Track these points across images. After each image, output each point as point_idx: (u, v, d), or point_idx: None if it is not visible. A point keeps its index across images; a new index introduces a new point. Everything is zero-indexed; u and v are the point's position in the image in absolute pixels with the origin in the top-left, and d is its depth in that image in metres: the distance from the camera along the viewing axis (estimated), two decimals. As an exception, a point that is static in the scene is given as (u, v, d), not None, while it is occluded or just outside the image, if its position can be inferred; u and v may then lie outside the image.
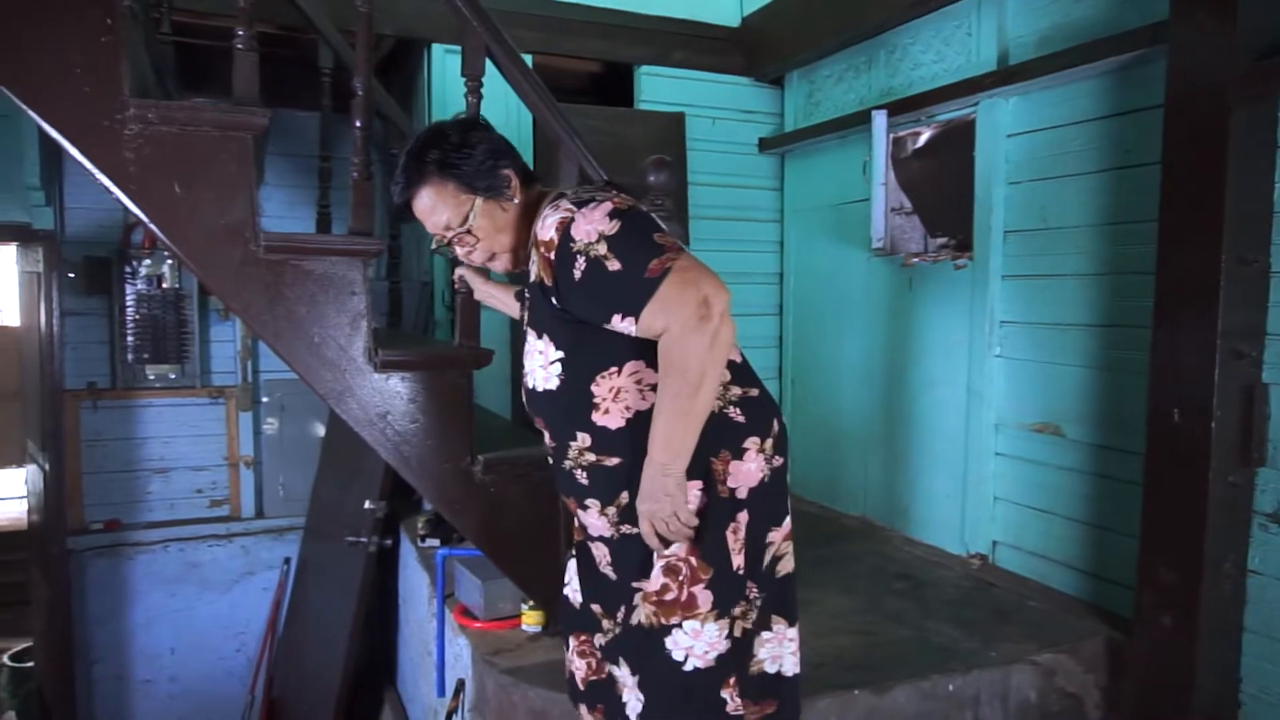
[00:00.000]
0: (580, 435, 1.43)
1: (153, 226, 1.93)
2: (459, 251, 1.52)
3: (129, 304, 4.18)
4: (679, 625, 1.43)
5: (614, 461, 1.43)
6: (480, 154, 1.47)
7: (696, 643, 1.43)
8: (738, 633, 1.46)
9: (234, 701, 4.38)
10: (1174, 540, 2.27)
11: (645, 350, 1.37)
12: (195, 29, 3.59)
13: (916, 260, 3.37)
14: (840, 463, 3.84)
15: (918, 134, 3.44)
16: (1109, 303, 2.66)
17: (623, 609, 1.51)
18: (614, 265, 1.31)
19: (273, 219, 4.13)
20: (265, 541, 4.49)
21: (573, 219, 1.35)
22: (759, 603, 1.48)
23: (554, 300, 1.39)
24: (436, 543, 3.15)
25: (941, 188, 3.42)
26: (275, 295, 2.03)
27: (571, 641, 1.66)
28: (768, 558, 1.49)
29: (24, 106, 1.83)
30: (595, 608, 1.57)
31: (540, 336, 1.45)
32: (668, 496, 1.35)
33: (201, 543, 4.38)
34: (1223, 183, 2.12)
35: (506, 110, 3.61)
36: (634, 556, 1.47)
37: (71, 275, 4.09)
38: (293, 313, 2.05)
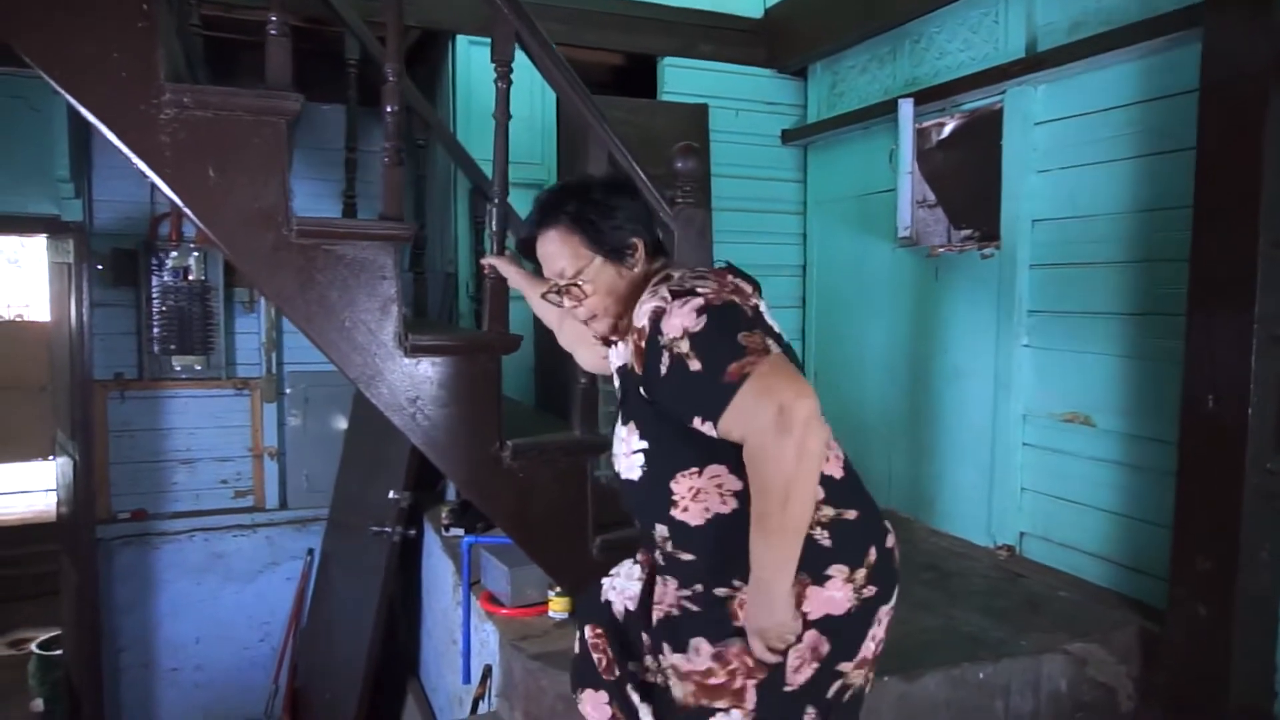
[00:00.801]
0: (659, 527, 1.41)
1: (187, 210, 1.95)
2: (565, 302, 1.50)
3: (155, 296, 4.22)
4: (725, 711, 1.36)
5: (689, 557, 1.40)
6: (618, 218, 1.46)
7: None
8: None
9: (258, 690, 4.41)
10: (1209, 529, 2.25)
11: (728, 454, 1.31)
12: (222, 22, 3.62)
13: (943, 250, 3.35)
14: (865, 455, 3.82)
15: (942, 125, 3.42)
16: (1141, 290, 2.63)
17: (662, 658, 1.49)
18: (695, 365, 1.26)
19: (298, 211, 4.15)
20: (289, 532, 4.52)
21: (665, 311, 1.31)
22: None
23: (642, 389, 1.37)
24: (460, 532, 3.15)
25: (966, 180, 3.39)
26: (307, 280, 2.04)
27: (587, 631, 1.64)
28: (835, 686, 1.38)
29: (64, 92, 1.85)
30: (645, 638, 1.55)
31: (627, 423, 1.43)
32: (773, 619, 1.29)
33: (226, 533, 4.42)
34: (1259, 167, 2.10)
35: (531, 100, 3.63)
36: (683, 631, 1.42)
37: (100, 267, 4.13)
38: (324, 297, 2.06)
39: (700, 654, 1.38)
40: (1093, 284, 2.77)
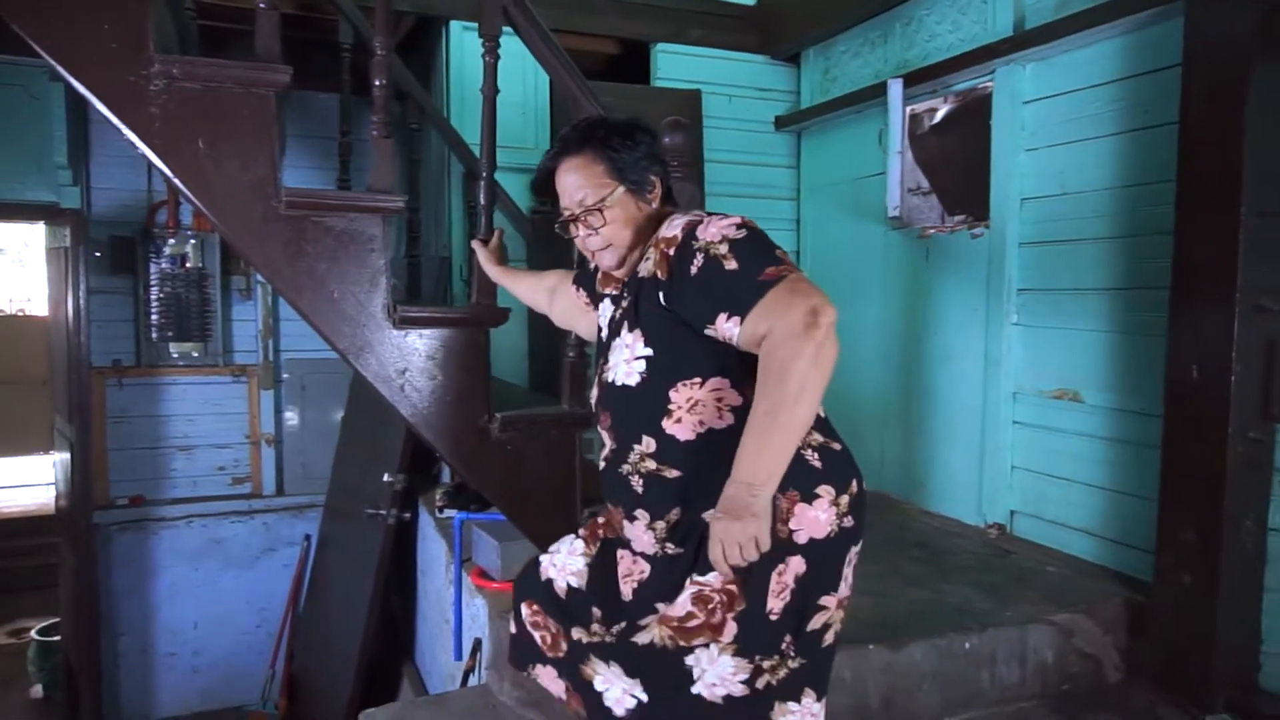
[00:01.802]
0: (646, 439, 1.41)
1: (177, 181, 1.97)
2: (579, 233, 1.51)
3: (153, 283, 4.26)
4: (704, 645, 1.37)
5: (674, 474, 1.40)
6: (640, 151, 1.50)
7: (709, 670, 1.37)
8: (759, 684, 1.38)
9: (255, 675, 4.44)
10: (1193, 499, 2.26)
11: (733, 370, 1.36)
12: (215, 10, 3.65)
13: (933, 231, 3.37)
14: (858, 438, 3.77)
15: (934, 109, 3.44)
16: (1128, 265, 2.64)
17: (622, 624, 1.49)
18: (731, 265, 1.31)
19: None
20: (286, 518, 4.55)
21: (701, 222, 1.37)
22: (794, 665, 1.39)
23: (662, 296, 1.38)
24: (455, 513, 3.17)
25: (959, 165, 3.41)
26: (296, 251, 2.06)
27: (524, 610, 1.64)
28: (817, 623, 1.40)
29: (54, 63, 1.87)
30: (595, 610, 1.54)
31: (633, 330, 1.43)
32: (753, 518, 1.27)
33: (224, 519, 4.45)
34: (1241, 140, 2.11)
35: (524, 84, 3.65)
36: (670, 579, 1.43)
37: (98, 254, 4.16)
38: (313, 269, 2.08)
39: (685, 592, 1.39)
40: (1080, 260, 2.78)
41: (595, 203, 1.47)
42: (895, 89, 3.27)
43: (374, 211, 2.12)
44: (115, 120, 1.90)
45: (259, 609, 4.53)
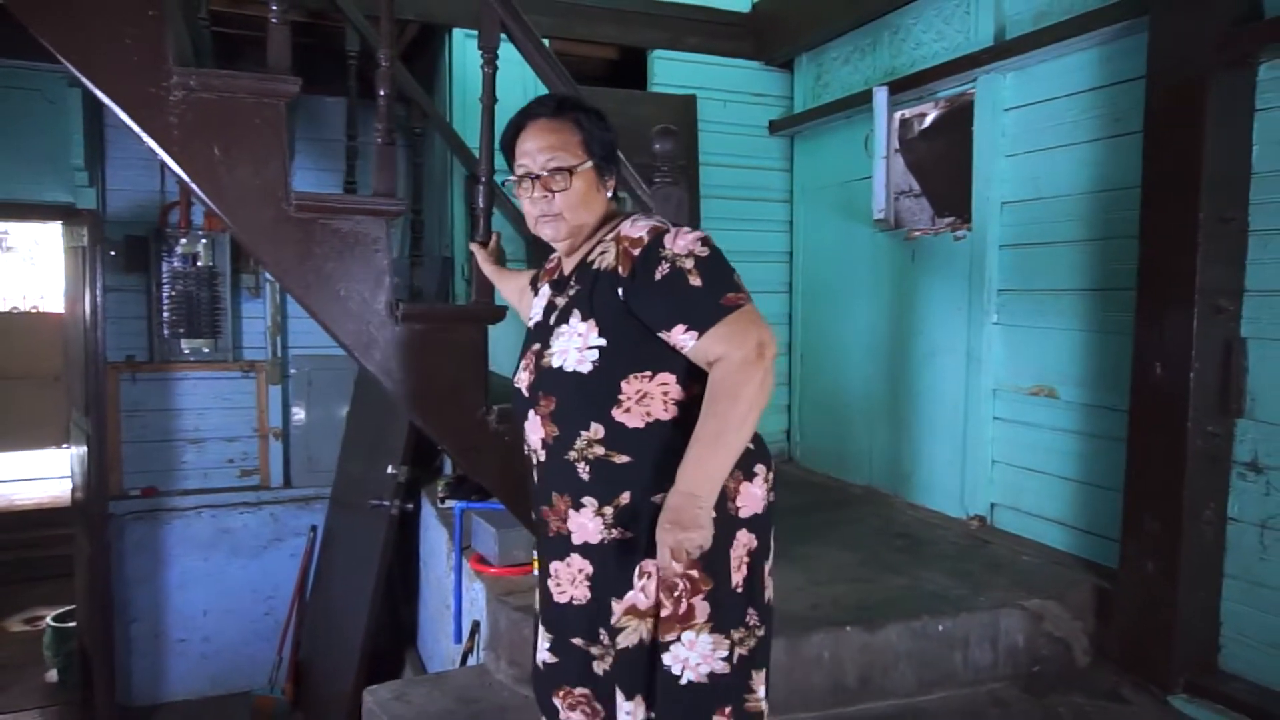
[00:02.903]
0: (595, 426, 1.43)
1: (193, 186, 2.09)
2: (532, 193, 1.50)
3: (165, 281, 4.40)
4: (677, 639, 1.42)
5: (623, 459, 1.43)
6: (609, 137, 1.54)
7: (691, 654, 1.42)
8: (734, 658, 1.45)
9: (263, 661, 4.57)
10: (1156, 490, 2.37)
11: (679, 367, 1.43)
12: (229, 18, 3.79)
13: (919, 234, 3.48)
14: (847, 434, 3.95)
15: (923, 115, 3.55)
16: (1101, 267, 2.75)
17: (603, 631, 1.48)
18: (695, 281, 1.38)
19: (301, 199, 4.31)
20: (293, 510, 4.68)
21: (667, 231, 1.43)
22: (760, 634, 1.49)
23: (621, 291, 1.42)
24: (456, 503, 3.29)
25: (947, 168, 3.52)
26: (305, 252, 2.17)
27: (557, 704, 1.57)
28: (769, 593, 1.51)
29: (79, 75, 1.99)
30: (577, 642, 1.53)
31: (585, 320, 1.45)
32: (699, 528, 1.34)
33: (233, 510, 4.59)
34: (1200, 145, 2.22)
35: (523, 87, 3.73)
36: (619, 566, 1.45)
37: (113, 253, 4.30)
38: (321, 268, 2.20)
39: (651, 580, 1.43)
40: (1057, 262, 2.89)
41: (563, 166, 1.48)
42: (880, 96, 3.38)
43: (378, 214, 2.24)
44: (136, 128, 2.02)
45: (266, 597, 4.67)
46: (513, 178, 1.54)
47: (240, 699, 4.52)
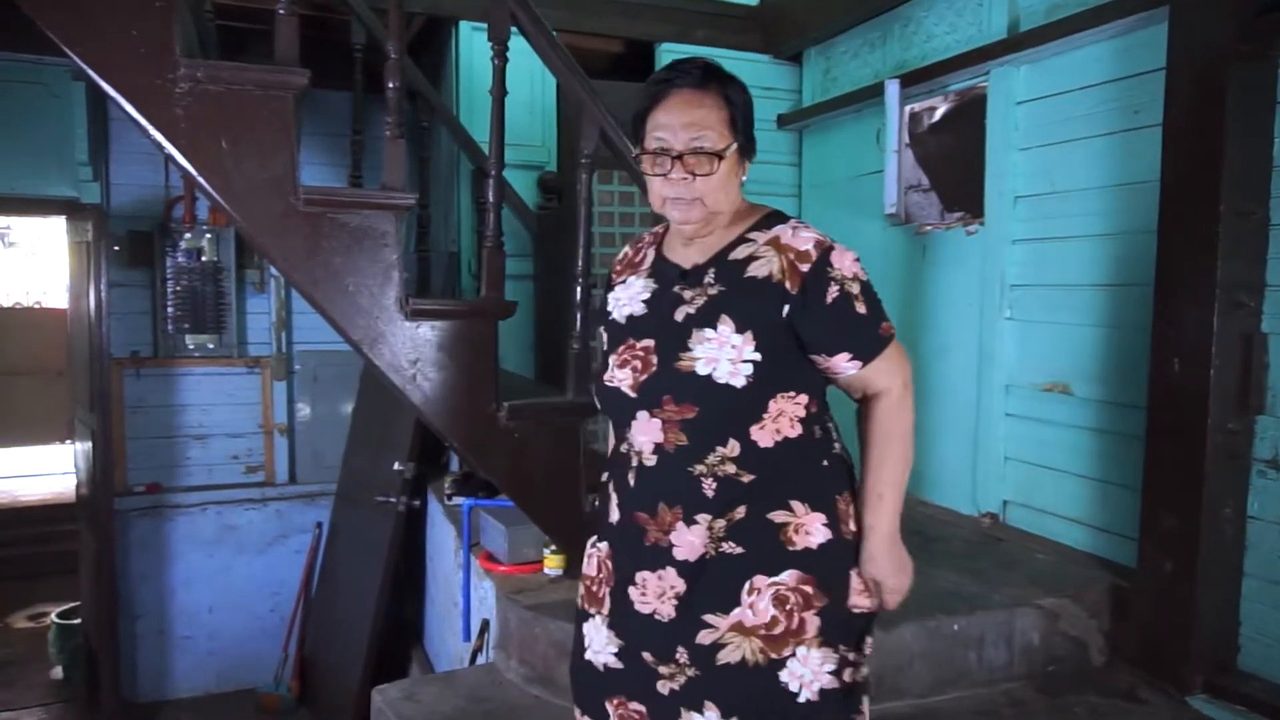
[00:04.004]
0: (732, 443, 1.34)
1: (200, 179, 2.07)
2: (671, 176, 1.35)
3: (170, 276, 4.38)
4: (792, 655, 1.35)
5: (749, 478, 1.35)
6: (752, 115, 1.41)
7: (805, 670, 1.36)
8: (847, 678, 1.38)
9: (268, 658, 4.56)
10: (1174, 487, 2.34)
11: (817, 388, 1.41)
12: (232, 11, 3.75)
13: (930, 228, 3.45)
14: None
15: (933, 109, 3.51)
16: (1116, 262, 2.72)
17: (683, 650, 1.37)
18: (860, 308, 1.35)
19: (307, 194, 4.29)
20: (298, 506, 4.67)
21: (831, 248, 1.36)
22: (869, 659, 1.44)
23: (785, 308, 1.34)
24: (463, 500, 3.27)
25: (957, 163, 3.48)
26: (313, 246, 2.15)
27: (609, 709, 1.46)
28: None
29: (86, 67, 1.97)
30: (646, 657, 1.41)
31: (741, 331, 1.34)
32: (908, 569, 1.40)
33: (238, 506, 4.58)
34: (1221, 137, 2.19)
35: (531, 80, 3.73)
36: (723, 582, 1.36)
37: (117, 248, 4.28)
38: (329, 263, 2.17)
39: (762, 596, 1.35)
40: (1071, 257, 2.86)
41: (710, 148, 1.33)
42: (892, 89, 3.34)
43: (387, 208, 2.21)
44: (143, 121, 2.00)
45: (272, 594, 4.66)
46: (646, 150, 1.38)
47: (246, 696, 4.51)
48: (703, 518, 1.36)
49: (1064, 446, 2.91)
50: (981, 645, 2.41)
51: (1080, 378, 2.85)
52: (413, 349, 2.27)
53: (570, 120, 3.80)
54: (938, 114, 3.53)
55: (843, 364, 1.37)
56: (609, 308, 1.52)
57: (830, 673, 1.37)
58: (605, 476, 1.53)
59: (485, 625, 2.70)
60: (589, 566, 1.52)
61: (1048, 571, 2.69)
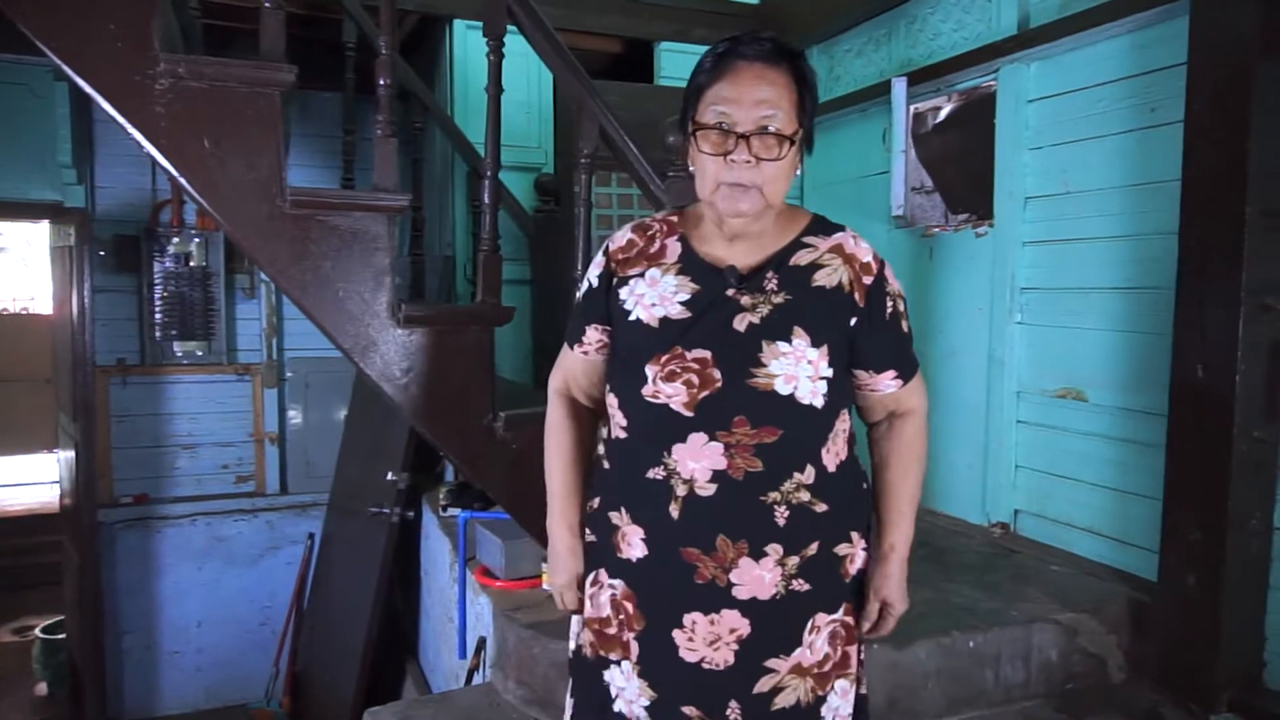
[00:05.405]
0: (808, 468, 1.24)
1: (182, 181, 1.97)
2: (734, 157, 1.19)
3: (157, 281, 4.27)
4: (832, 689, 1.31)
5: (822, 508, 1.25)
6: (815, 112, 1.28)
7: (841, 702, 1.33)
8: (864, 689, 1.41)
9: (259, 673, 4.45)
10: (1198, 498, 2.26)
11: (849, 406, 1.36)
12: (218, 8, 3.66)
13: (937, 230, 3.37)
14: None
15: (937, 109, 3.43)
16: (1133, 265, 2.64)
17: (736, 704, 1.25)
18: (905, 326, 1.34)
19: (297, 197, 4.19)
20: (290, 517, 4.57)
21: (884, 262, 1.32)
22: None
23: (852, 320, 1.27)
24: (459, 512, 3.18)
25: (962, 164, 3.41)
26: (301, 250, 2.06)
27: None
28: None
29: (60, 63, 1.87)
30: (689, 711, 1.27)
31: (817, 346, 1.23)
32: (906, 590, 1.38)
33: (228, 517, 4.47)
34: (1245, 135, 2.11)
35: (527, 80, 3.65)
36: (789, 623, 1.26)
37: (102, 253, 4.17)
38: (318, 267, 2.08)
39: (820, 634, 1.28)
40: (1085, 259, 2.78)
41: (782, 131, 1.19)
42: (899, 88, 3.26)
43: (379, 210, 2.12)
44: (121, 120, 1.90)
45: (263, 607, 4.55)
46: (704, 125, 1.21)
47: (236, 712, 4.41)
48: (773, 549, 1.23)
49: (1078, 454, 2.82)
50: (998, 663, 2.32)
51: (1095, 384, 2.76)
52: (406, 357, 2.18)
53: (568, 119, 3.72)
54: (942, 114, 3.45)
55: (886, 381, 1.32)
56: (625, 304, 1.30)
57: (851, 699, 1.37)
58: (599, 503, 1.36)
59: (482, 643, 2.60)
60: (598, 608, 1.35)
61: (1064, 585, 2.60)
